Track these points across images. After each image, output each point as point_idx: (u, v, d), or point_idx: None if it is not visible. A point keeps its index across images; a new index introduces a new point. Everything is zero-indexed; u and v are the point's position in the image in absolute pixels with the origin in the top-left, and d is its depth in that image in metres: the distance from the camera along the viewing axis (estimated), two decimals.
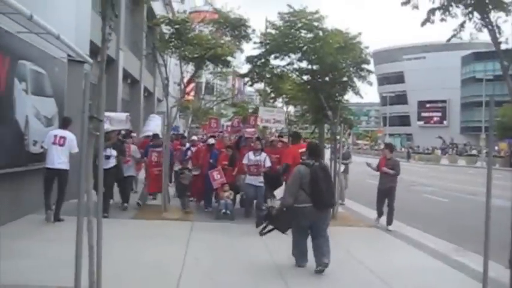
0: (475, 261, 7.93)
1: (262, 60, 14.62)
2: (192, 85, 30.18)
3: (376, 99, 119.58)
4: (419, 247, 9.98)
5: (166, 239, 9.51)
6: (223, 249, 8.92)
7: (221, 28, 13.70)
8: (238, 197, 13.42)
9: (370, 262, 8.28)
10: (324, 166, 7.79)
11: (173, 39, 12.98)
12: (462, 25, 5.91)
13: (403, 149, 75.26)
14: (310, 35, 13.16)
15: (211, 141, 14.03)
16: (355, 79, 14.53)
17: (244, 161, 12.27)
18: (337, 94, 14.80)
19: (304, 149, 10.72)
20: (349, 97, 16.49)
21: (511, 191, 6.48)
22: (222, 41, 13.41)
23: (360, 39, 13.81)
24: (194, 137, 16.02)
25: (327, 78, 14.24)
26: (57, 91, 12.10)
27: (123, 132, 13.86)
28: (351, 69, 14.27)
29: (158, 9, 27.00)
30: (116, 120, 13.82)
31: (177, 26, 12.72)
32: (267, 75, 16.41)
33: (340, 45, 12.72)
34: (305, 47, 13.21)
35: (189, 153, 14.55)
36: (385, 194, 11.77)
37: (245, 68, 17.64)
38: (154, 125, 15.65)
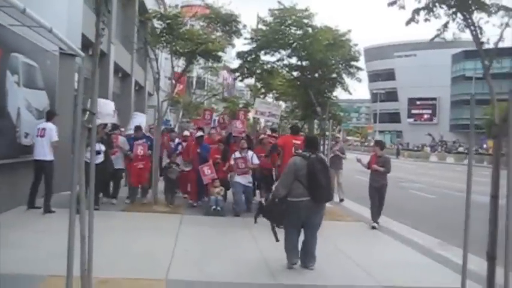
0: (458, 256, 8.06)
1: (253, 56, 14.77)
2: (183, 80, 30.15)
3: (367, 95, 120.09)
4: (405, 242, 10.14)
5: (156, 231, 9.65)
6: (212, 242, 9.07)
7: (212, 23, 13.77)
8: (229, 193, 13.13)
9: (356, 256, 8.45)
10: (321, 158, 7.51)
11: (165, 34, 13.08)
12: (445, 25, 6.09)
13: (393, 146, 75.64)
14: (299, 32, 13.32)
15: (199, 133, 13.66)
16: (344, 76, 14.73)
17: (231, 161, 12.20)
18: (326, 90, 14.98)
19: (299, 141, 10.89)
20: (338, 93, 16.69)
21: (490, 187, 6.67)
22: (213, 36, 13.53)
23: (349, 36, 14.04)
24: (186, 132, 15.41)
25: (316, 75, 14.44)
26: (48, 84, 12.19)
27: (109, 125, 13.16)
28: (340, 65, 14.47)
29: (150, 3, 26.95)
30: (103, 113, 12.98)
31: (168, 21, 12.82)
32: (258, 71, 16.51)
33: (329, 42, 12.91)
34: (295, 44, 13.39)
35: (179, 147, 14.10)
36: (377, 192, 11.58)
37: (236, 63, 17.79)
38: (138, 122, 14.78)
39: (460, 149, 60.01)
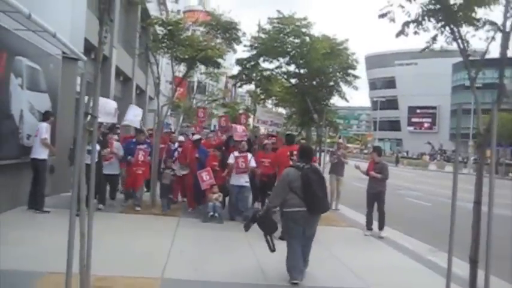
0: (447, 261, 8.33)
1: (252, 63, 14.99)
2: (183, 84, 30.34)
3: (368, 103, 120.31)
4: (397, 248, 10.36)
5: (153, 232, 9.88)
6: (208, 243, 9.29)
7: (213, 30, 14.01)
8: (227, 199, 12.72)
9: (348, 260, 8.68)
10: (315, 169, 7.35)
11: (166, 40, 13.33)
12: (434, 38, 6.34)
13: (393, 154, 75.79)
14: (297, 41, 13.55)
15: (196, 136, 13.37)
16: (341, 84, 14.95)
17: (230, 160, 11.93)
18: (323, 98, 15.20)
19: (295, 151, 10.83)
20: (336, 101, 16.87)
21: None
22: (213, 43, 13.77)
23: (346, 45, 14.26)
24: (181, 138, 15.13)
25: (314, 82, 14.65)
26: (51, 87, 12.40)
27: (104, 124, 12.71)
28: (338, 74, 14.68)
29: (152, 8, 27.21)
30: (103, 112, 12.13)
31: (170, 27, 13.08)
32: (257, 78, 16.68)
33: (327, 51, 13.10)
34: (293, 52, 13.62)
35: (175, 154, 13.79)
36: (374, 198, 11.53)
37: (235, 70, 18.02)
38: (133, 114, 14.20)
39: (459, 159, 60.08)
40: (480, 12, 6.06)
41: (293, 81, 15.51)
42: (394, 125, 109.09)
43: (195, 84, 39.16)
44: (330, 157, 15.32)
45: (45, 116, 11.25)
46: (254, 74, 16.01)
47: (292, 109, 20.36)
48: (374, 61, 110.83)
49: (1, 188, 10.16)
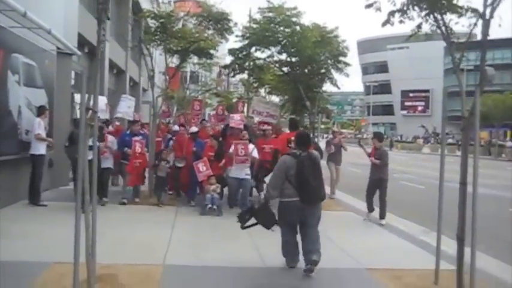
0: None
1: (244, 53, 15.17)
2: (177, 75, 30.45)
3: (361, 88, 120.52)
4: (390, 230, 10.65)
5: (152, 222, 10.16)
6: (206, 231, 9.56)
7: (204, 21, 14.17)
8: (226, 190, 12.58)
9: (342, 242, 8.96)
10: (312, 156, 7.04)
11: (158, 33, 13.49)
12: (419, 26, 6.58)
13: (387, 137, 76.14)
14: (288, 30, 13.74)
15: (194, 129, 13.01)
16: (332, 71, 15.16)
17: (231, 150, 11.51)
18: (315, 85, 15.40)
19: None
20: (327, 88, 17.05)
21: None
22: (206, 35, 13.93)
23: (337, 33, 14.47)
24: (176, 127, 14.73)
25: (305, 70, 14.86)
26: (47, 82, 12.59)
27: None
28: (329, 61, 14.89)
29: (143, 0, 27.30)
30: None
31: (162, 20, 13.25)
32: (249, 67, 16.82)
33: (317, 39, 13.30)
34: (284, 41, 13.81)
35: (170, 143, 13.52)
36: (376, 185, 11.48)
37: (228, 60, 18.16)
38: (126, 106, 13.87)
39: (450, 140, 60.37)
40: (462, 0, 6.30)
41: (285, 69, 15.72)
42: (387, 109, 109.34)
43: (188, 74, 39.21)
44: (326, 147, 15.10)
45: (39, 111, 11.46)
46: (247, 64, 16.19)
47: (285, 97, 20.59)
48: (366, 46, 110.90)
49: (2, 183, 10.38)
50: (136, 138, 12.29)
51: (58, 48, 12.95)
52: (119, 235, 8.57)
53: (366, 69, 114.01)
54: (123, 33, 22.69)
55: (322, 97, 17.19)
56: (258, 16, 14.32)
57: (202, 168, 11.61)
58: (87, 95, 5.41)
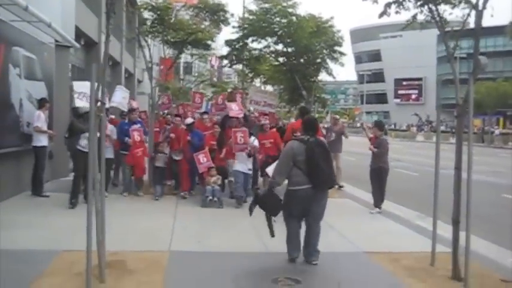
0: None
1: (241, 44, 15.34)
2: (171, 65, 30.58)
3: (354, 77, 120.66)
4: (386, 215, 10.92)
5: (155, 211, 10.39)
6: (208, 219, 9.79)
7: (201, 13, 14.29)
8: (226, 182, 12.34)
9: (340, 228, 9.20)
10: (321, 142, 6.96)
11: (156, 24, 13.62)
12: (414, 17, 6.80)
13: None
14: (284, 21, 13.92)
15: (189, 120, 12.58)
16: (328, 60, 15.35)
17: (231, 136, 11.20)
18: (311, 75, 15.59)
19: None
20: (323, 77, 17.24)
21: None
22: (203, 26, 14.08)
23: (332, 23, 14.66)
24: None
25: (301, 60, 15.05)
26: (46, 75, 12.74)
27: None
28: (324, 51, 15.09)
29: None
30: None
31: (159, 12, 13.38)
32: (246, 58, 16.98)
33: (313, 29, 13.49)
34: (280, 31, 14.00)
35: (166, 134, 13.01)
36: (376, 174, 11.40)
37: (224, 50, 18.30)
38: (121, 96, 13.12)
39: (442, 128, 60.83)
40: None
41: (281, 59, 15.90)
42: (380, 98, 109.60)
43: (181, 65, 39.28)
44: (326, 134, 14.70)
45: (40, 104, 11.59)
46: (243, 54, 16.36)
47: (281, 86, 20.77)
48: (359, 35, 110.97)
49: (5, 175, 10.54)
50: (134, 126, 12.10)
51: (56, 40, 13.09)
52: (123, 224, 8.75)
53: (359, 58, 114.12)
54: (118, 25, 22.75)
55: (318, 86, 17.35)
56: (253, 7, 14.52)
57: (203, 159, 11.41)
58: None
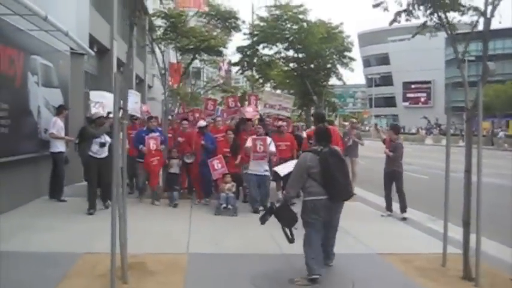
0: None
1: (252, 50, 15.57)
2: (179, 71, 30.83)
3: (362, 80, 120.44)
4: (397, 217, 11.07)
5: (170, 215, 10.63)
6: (224, 222, 10.01)
7: (213, 20, 14.55)
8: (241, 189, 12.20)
9: (353, 230, 9.35)
10: (335, 151, 6.62)
11: (169, 32, 13.88)
12: (424, 24, 7.01)
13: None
14: (295, 27, 14.14)
15: (202, 123, 12.26)
16: (338, 65, 15.56)
17: (248, 145, 11.05)
18: (321, 80, 15.79)
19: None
20: (333, 82, 17.42)
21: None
22: (215, 33, 14.32)
23: (341, 28, 14.87)
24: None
25: (312, 65, 15.25)
26: (62, 82, 13.04)
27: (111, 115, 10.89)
28: (334, 56, 15.29)
29: None
30: (108, 107, 11.54)
31: (172, 20, 13.64)
32: (257, 63, 17.18)
33: (323, 35, 13.70)
34: (291, 37, 14.21)
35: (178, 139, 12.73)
36: (390, 178, 11.31)
37: (235, 57, 18.52)
38: (133, 101, 12.42)
39: (451, 131, 60.70)
40: None
41: (292, 65, 16.11)
42: (389, 101, 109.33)
43: (190, 70, 39.49)
44: (344, 138, 14.23)
45: (58, 110, 11.86)
46: (254, 60, 16.57)
47: (291, 91, 20.93)
48: (367, 38, 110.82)
49: (24, 180, 10.85)
50: (153, 134, 11.76)
51: (71, 48, 13.37)
52: (140, 228, 8.87)
53: (367, 62, 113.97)
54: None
55: (328, 91, 17.55)
56: (263, 13, 14.78)
57: (217, 165, 11.23)
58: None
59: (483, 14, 6.20)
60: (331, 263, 7.00)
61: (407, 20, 6.96)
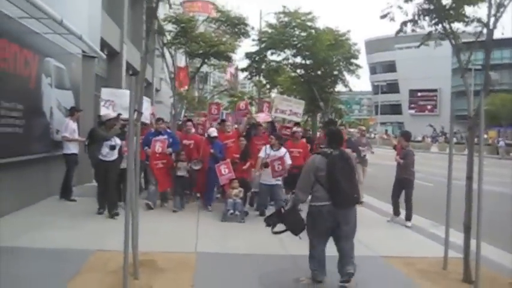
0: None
1: (260, 56, 15.80)
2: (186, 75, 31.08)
3: (368, 87, 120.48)
4: (402, 223, 11.22)
5: (177, 217, 10.82)
6: (230, 225, 10.20)
7: (222, 25, 14.81)
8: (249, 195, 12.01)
9: (357, 234, 9.52)
10: (344, 155, 6.33)
11: (179, 37, 14.13)
12: (429, 34, 7.24)
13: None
14: (303, 34, 14.37)
15: (213, 133, 11.92)
16: (344, 72, 15.78)
17: (261, 154, 11.00)
18: (328, 86, 16.01)
19: None
20: (339, 88, 17.63)
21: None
22: (224, 39, 14.57)
23: (349, 36, 15.10)
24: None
25: (319, 72, 15.47)
26: (74, 84, 13.33)
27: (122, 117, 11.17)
28: (341, 63, 15.51)
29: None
30: (119, 105, 11.52)
31: (183, 25, 13.89)
32: (265, 69, 17.40)
33: (331, 42, 13.92)
34: (299, 44, 14.43)
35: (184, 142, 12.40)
36: (401, 186, 11.25)
37: (243, 62, 18.76)
38: (144, 108, 12.00)
39: (456, 139, 60.82)
40: (469, 10, 6.95)
41: (299, 71, 16.33)
42: (395, 109, 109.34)
43: (196, 75, 39.77)
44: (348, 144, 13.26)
45: (71, 112, 12.11)
46: (262, 66, 16.80)
47: (298, 97, 21.12)
48: (374, 45, 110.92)
49: (36, 179, 11.13)
50: (160, 137, 11.57)
51: (83, 51, 13.63)
52: (150, 228, 9.09)
53: (373, 69, 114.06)
54: (139, 35, 23.29)
55: (335, 98, 17.76)
56: (271, 19, 15.04)
57: (225, 170, 10.97)
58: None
59: (486, 25, 6.41)
60: (351, 270, 6.35)
61: (413, 30, 7.17)
